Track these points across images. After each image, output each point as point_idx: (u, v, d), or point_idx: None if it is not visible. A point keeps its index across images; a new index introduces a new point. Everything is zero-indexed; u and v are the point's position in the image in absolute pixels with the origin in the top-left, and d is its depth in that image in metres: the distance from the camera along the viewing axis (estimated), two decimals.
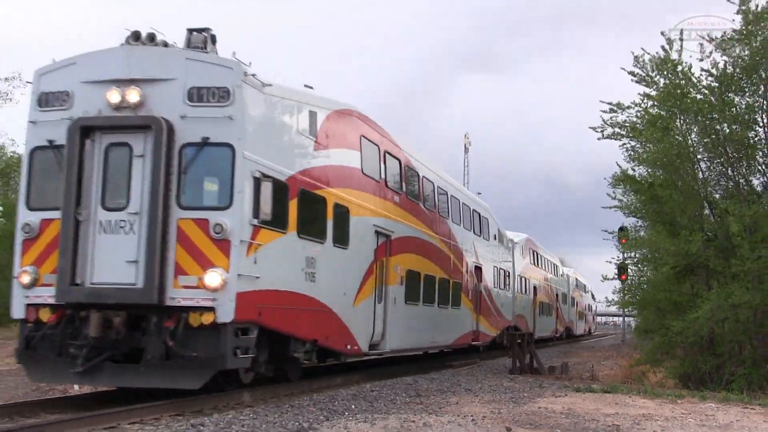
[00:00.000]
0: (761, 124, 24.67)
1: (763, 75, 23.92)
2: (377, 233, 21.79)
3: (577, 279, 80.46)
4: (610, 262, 37.50)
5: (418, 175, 26.61)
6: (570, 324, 71.93)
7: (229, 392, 15.70)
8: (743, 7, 23.70)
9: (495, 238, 39.71)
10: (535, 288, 51.16)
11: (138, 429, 11.57)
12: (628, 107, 26.69)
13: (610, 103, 26.99)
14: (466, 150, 78.41)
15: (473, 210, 35.44)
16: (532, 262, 52.06)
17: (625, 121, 26.95)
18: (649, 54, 25.77)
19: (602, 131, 27.40)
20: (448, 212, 30.44)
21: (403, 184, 24.65)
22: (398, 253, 23.44)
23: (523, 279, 47.45)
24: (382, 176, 22.53)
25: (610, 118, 26.99)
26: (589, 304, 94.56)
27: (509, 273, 43.08)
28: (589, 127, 27.85)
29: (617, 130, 27.20)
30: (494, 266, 38.55)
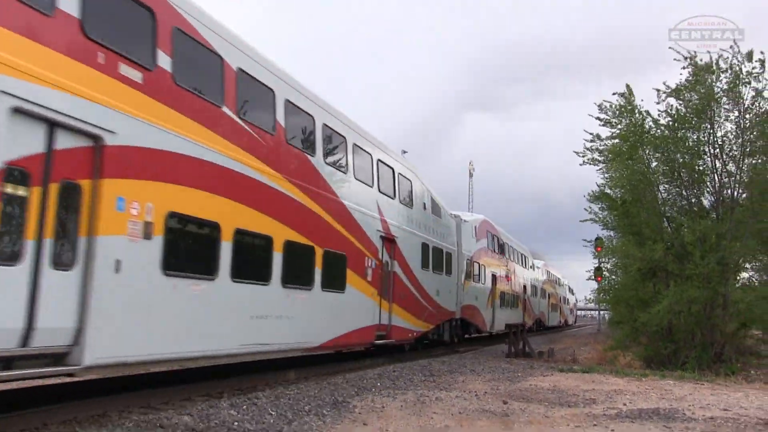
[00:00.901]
0: (708, 155, 24.83)
1: (709, 115, 23.96)
2: (25, 115, 8.70)
3: (549, 271, 66.54)
4: (590, 273, 39.01)
5: (222, 62, 13.24)
6: (541, 316, 57.93)
7: (277, 371, 15.58)
8: (691, 62, 23.95)
9: (425, 208, 25.29)
10: (494, 276, 36.64)
11: (206, 401, 11.59)
12: (605, 138, 26.81)
13: (591, 133, 27.13)
14: (471, 175, 78.09)
15: (379, 161, 20.84)
16: (490, 247, 36.87)
17: (603, 150, 27.00)
18: (609, 102, 25.91)
19: (584, 156, 27.42)
20: (315, 148, 16.52)
21: (163, 57, 11.46)
22: (138, 176, 10.66)
23: (476, 264, 32.91)
24: (67, 8, 9.43)
25: (591, 145, 27.06)
26: (564, 297, 79.70)
27: (452, 255, 28.28)
28: (573, 151, 27.99)
29: (595, 156, 27.24)
30: (423, 243, 24.44)
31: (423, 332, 24.47)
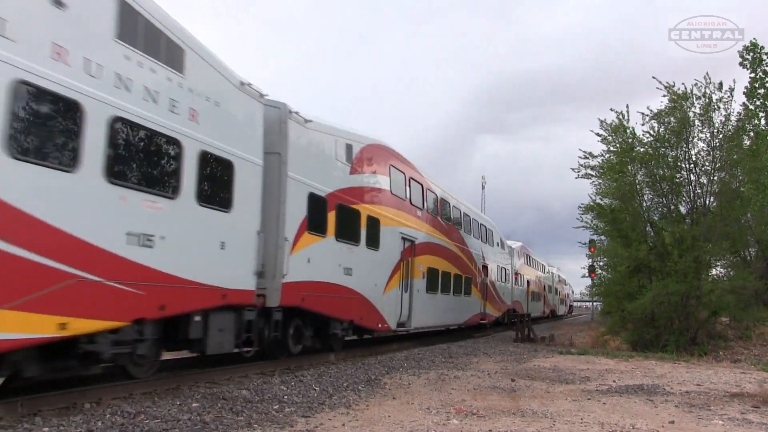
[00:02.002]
0: (685, 169, 24.73)
1: (685, 136, 23.91)
2: None
3: (529, 255, 49.81)
4: (585, 270, 38.22)
5: None
6: (517, 305, 39.84)
7: (320, 354, 15.42)
8: (671, 89, 23.90)
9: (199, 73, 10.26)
10: (407, 242, 19.81)
11: (260, 377, 11.65)
12: (597, 156, 26.76)
13: (585, 152, 27.05)
14: (483, 187, 77.07)
15: None
16: (398, 194, 19.39)
17: (595, 166, 26.96)
18: (606, 122, 25.73)
19: (578, 172, 27.32)
20: None
21: None
22: None
23: (346, 210, 15.57)
24: None
25: (585, 162, 27.02)
26: (550, 285, 61.78)
27: (233, 166, 11.07)
28: (570, 168, 27.99)
29: (589, 171, 27.16)
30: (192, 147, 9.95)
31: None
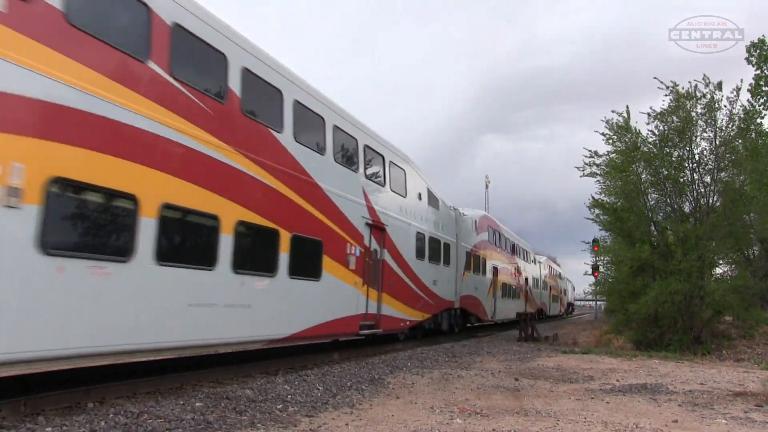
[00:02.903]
0: (688, 168, 24.68)
1: (688, 135, 23.87)
2: None
3: (499, 234, 34.20)
4: (588, 267, 37.82)
5: None
6: (469, 303, 26.57)
7: (324, 353, 15.43)
8: (674, 88, 23.85)
9: None
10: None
11: (264, 377, 11.64)
12: (602, 155, 26.86)
13: (590, 150, 27.13)
14: (487, 187, 76.95)
15: None
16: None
17: (599, 164, 26.94)
18: (612, 121, 25.75)
19: (583, 171, 27.31)
20: None
21: None
22: None
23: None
24: None
25: (591, 161, 27.00)
26: (539, 279, 48.47)
27: None
28: (575, 167, 27.94)
29: (594, 170, 27.15)
30: None
31: None
